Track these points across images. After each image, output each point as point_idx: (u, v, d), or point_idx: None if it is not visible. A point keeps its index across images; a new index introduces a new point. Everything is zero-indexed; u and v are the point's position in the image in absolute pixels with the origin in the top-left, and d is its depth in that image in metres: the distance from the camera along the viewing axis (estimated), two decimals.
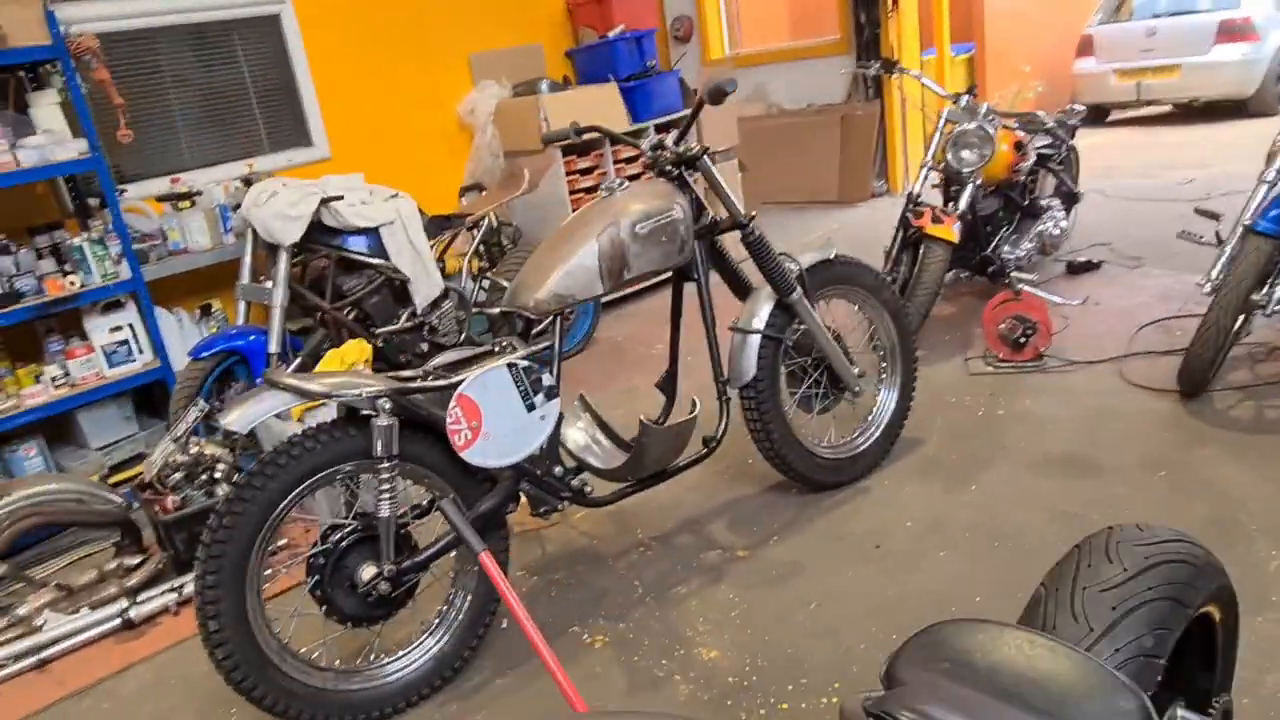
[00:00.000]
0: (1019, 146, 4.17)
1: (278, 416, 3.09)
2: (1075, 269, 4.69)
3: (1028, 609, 1.34)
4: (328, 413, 2.71)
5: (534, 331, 2.48)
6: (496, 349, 2.41)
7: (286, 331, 3.78)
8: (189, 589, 2.84)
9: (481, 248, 4.73)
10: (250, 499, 2.05)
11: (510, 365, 2.28)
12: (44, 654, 2.78)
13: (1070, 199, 4.88)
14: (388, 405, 2.11)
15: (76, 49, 3.58)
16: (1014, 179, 4.29)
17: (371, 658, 2.38)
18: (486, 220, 4.63)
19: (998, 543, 2.60)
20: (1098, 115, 9.43)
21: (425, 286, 4.03)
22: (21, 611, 2.89)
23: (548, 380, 2.34)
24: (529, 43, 6.05)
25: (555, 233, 2.53)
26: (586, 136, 2.80)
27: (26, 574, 3.15)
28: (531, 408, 2.31)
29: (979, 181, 4.06)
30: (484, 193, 5.03)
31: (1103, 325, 3.99)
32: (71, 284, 3.63)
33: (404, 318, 4.05)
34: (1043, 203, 4.57)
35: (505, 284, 4.27)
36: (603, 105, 5.20)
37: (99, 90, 3.78)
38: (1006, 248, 4.37)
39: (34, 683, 2.70)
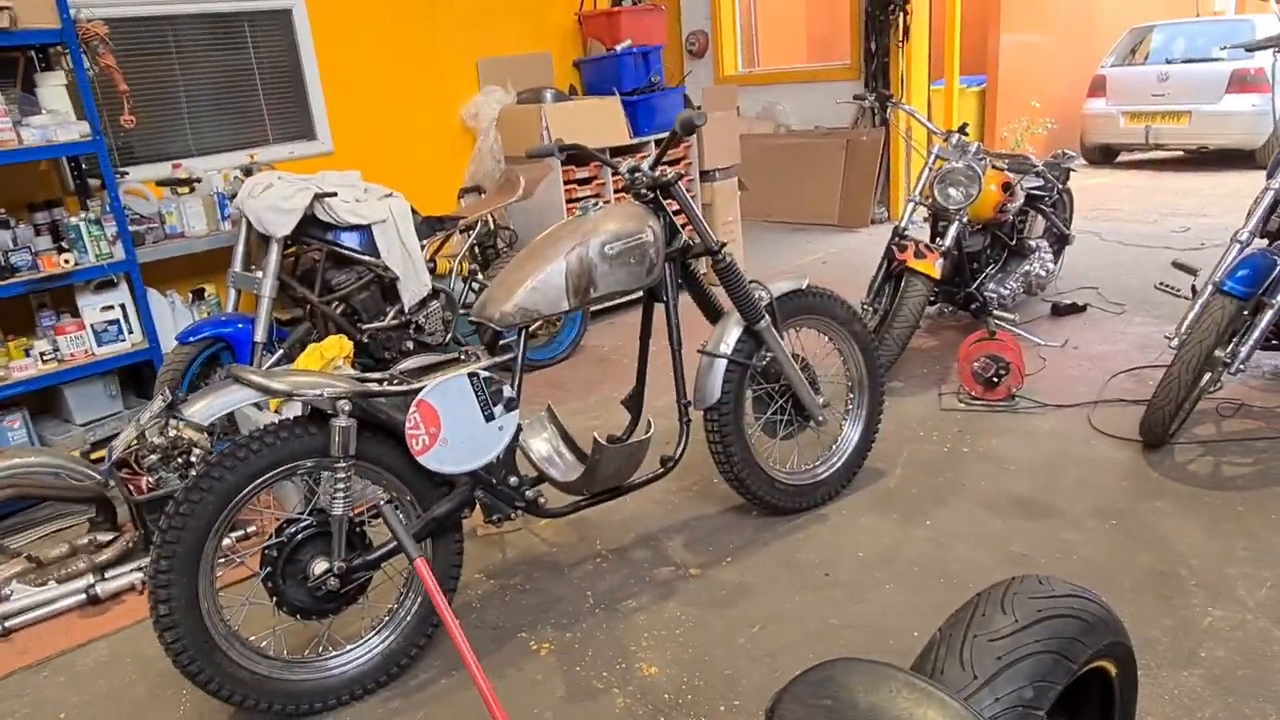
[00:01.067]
0: (1007, 187, 4.21)
1: (257, 406, 3.17)
2: (1060, 310, 4.73)
3: (922, 652, 1.39)
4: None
5: (500, 343, 2.54)
6: (462, 357, 2.47)
7: (274, 321, 3.86)
8: None
9: (476, 250, 4.80)
10: (208, 489, 2.11)
11: (472, 375, 2.34)
12: (9, 624, 2.83)
13: (1060, 241, 4.93)
14: (347, 407, 2.17)
15: (85, 34, 3.66)
16: (1001, 218, 4.33)
17: (320, 650, 2.43)
18: (481, 223, 4.70)
19: (943, 579, 2.65)
20: (1107, 156, 9.48)
21: (413, 285, 4.11)
22: None
23: (508, 392, 2.40)
24: (538, 50, 6.11)
25: (527, 248, 2.59)
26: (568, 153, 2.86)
27: (0, 543, 3.22)
28: (490, 418, 2.37)
29: (965, 219, 4.10)
30: (482, 196, 5.10)
31: (1079, 369, 4.03)
32: (66, 261, 3.70)
33: (391, 315, 4.13)
34: (1031, 243, 4.61)
35: None
36: (604, 117, 5.26)
37: (105, 75, 3.86)
38: (991, 285, 4.42)
39: None
